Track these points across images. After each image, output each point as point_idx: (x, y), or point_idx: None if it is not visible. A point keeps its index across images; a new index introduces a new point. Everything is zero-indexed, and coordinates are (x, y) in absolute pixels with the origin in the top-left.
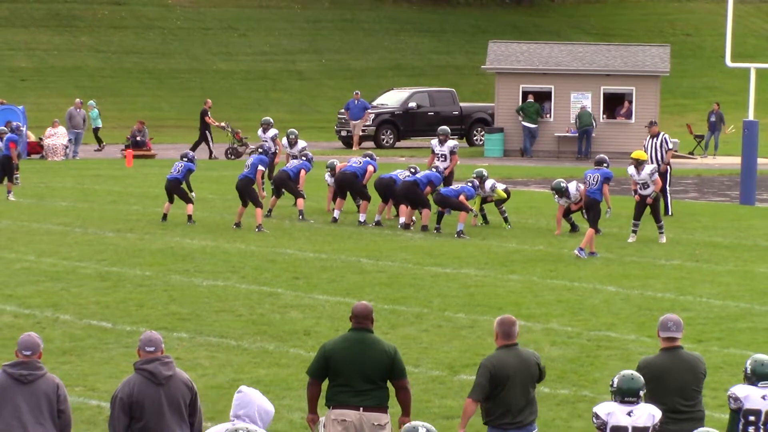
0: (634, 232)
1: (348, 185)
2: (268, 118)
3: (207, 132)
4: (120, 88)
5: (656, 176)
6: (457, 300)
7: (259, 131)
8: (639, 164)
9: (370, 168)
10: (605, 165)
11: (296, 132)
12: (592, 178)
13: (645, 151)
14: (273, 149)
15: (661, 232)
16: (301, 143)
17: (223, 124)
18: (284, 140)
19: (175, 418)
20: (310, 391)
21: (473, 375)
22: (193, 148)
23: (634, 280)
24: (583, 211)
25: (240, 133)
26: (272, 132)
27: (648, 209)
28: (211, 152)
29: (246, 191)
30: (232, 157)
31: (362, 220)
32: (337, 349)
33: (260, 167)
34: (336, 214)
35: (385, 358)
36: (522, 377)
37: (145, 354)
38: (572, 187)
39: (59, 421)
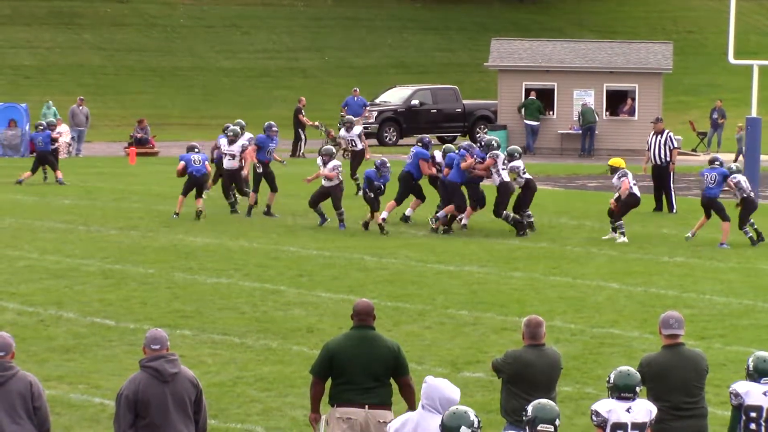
0: (622, 233)
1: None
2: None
3: (301, 131)
4: (123, 86)
5: (623, 179)
6: (460, 297)
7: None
8: (613, 171)
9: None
10: (718, 163)
11: (241, 124)
12: (709, 177)
13: (648, 148)
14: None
15: (621, 232)
16: (247, 135)
17: (316, 123)
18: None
19: (181, 415)
20: (314, 391)
21: (477, 372)
22: (293, 150)
23: (638, 277)
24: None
25: (332, 133)
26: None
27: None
28: (295, 151)
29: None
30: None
31: (408, 214)
32: (340, 347)
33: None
34: (408, 212)
35: (388, 355)
36: (547, 379)
37: (151, 351)
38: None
39: (36, 417)
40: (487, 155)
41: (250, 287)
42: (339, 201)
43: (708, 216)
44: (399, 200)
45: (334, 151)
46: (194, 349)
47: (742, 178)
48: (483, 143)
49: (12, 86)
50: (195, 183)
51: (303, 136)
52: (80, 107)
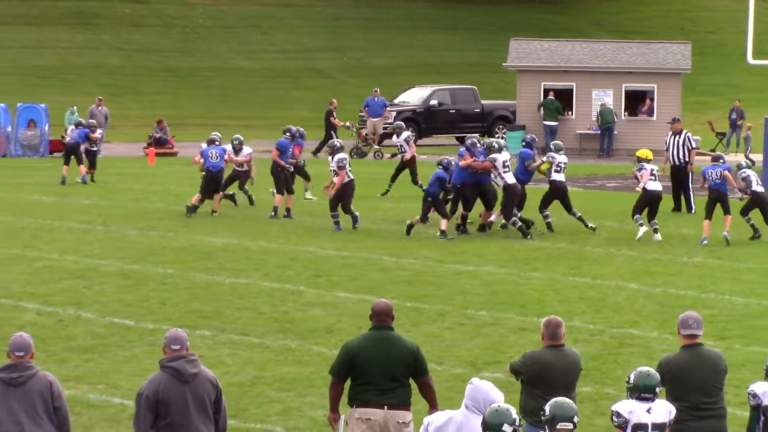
0: (640, 225)
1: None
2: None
3: (333, 132)
4: (141, 87)
5: (641, 172)
6: (479, 297)
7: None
8: (639, 162)
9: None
10: (722, 161)
11: (241, 138)
12: (714, 174)
13: (666, 149)
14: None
15: (639, 224)
16: (246, 149)
17: (348, 124)
18: (229, 147)
19: (201, 415)
20: (333, 391)
21: (496, 372)
22: (318, 149)
23: (657, 278)
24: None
25: (364, 133)
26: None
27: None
28: (319, 150)
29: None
30: (356, 156)
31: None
32: (360, 348)
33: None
34: (492, 218)
35: (408, 355)
36: (566, 380)
37: (171, 352)
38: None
39: (56, 418)
40: (487, 158)
41: (269, 287)
42: (350, 203)
43: (710, 216)
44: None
45: (338, 144)
46: (213, 349)
47: (751, 173)
48: (486, 145)
49: (30, 87)
50: (211, 179)
51: (334, 137)
52: (99, 107)
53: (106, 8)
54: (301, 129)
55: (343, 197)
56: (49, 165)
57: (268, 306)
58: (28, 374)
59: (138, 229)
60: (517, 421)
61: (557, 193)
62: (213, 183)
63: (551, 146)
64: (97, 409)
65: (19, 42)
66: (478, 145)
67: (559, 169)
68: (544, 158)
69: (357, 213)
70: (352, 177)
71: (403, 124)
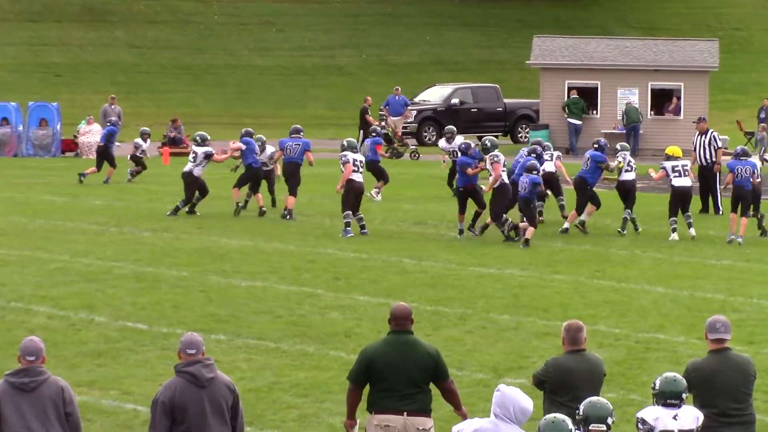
0: (673, 229)
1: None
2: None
3: (366, 131)
4: (155, 84)
5: (660, 171)
6: (501, 301)
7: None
8: (667, 159)
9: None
10: (747, 157)
11: (263, 138)
12: (744, 170)
13: (693, 149)
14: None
15: (672, 229)
16: (270, 148)
17: (383, 123)
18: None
19: (218, 421)
20: (351, 398)
21: (519, 378)
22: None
23: (684, 281)
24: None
25: (400, 133)
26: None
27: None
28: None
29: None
30: (393, 157)
31: (583, 219)
32: (378, 352)
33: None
34: (584, 217)
35: (428, 359)
36: (589, 385)
37: (186, 356)
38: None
39: (68, 424)
40: (487, 157)
41: (285, 290)
42: (358, 204)
43: (736, 209)
44: (580, 209)
45: (344, 143)
46: (229, 354)
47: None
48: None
49: (43, 84)
50: (252, 176)
51: (363, 138)
52: (112, 106)
53: (121, 5)
54: (262, 137)
55: (347, 197)
56: (61, 165)
57: (284, 309)
58: (39, 379)
59: (151, 231)
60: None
61: (623, 191)
62: (253, 181)
63: (618, 146)
64: (110, 415)
65: (31, 39)
66: (473, 146)
67: (630, 168)
68: (618, 158)
69: (361, 215)
70: (359, 180)
71: (454, 129)
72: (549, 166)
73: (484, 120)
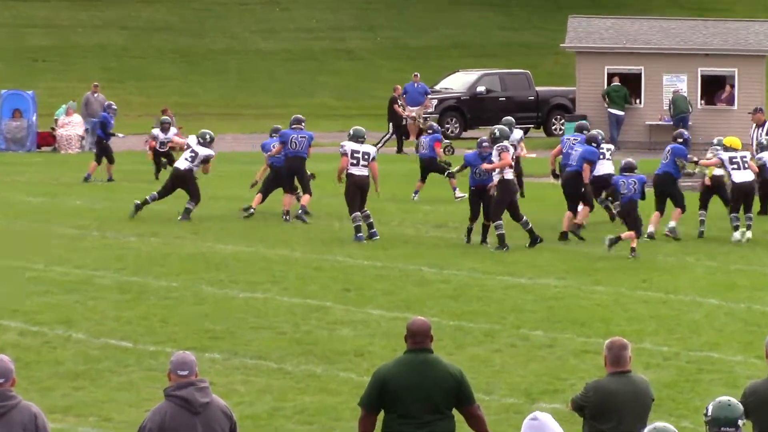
0: (735, 227)
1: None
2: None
3: (394, 123)
4: (148, 70)
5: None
6: (533, 315)
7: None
8: (725, 150)
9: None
10: None
11: (169, 119)
12: None
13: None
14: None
15: (734, 226)
16: (173, 130)
17: (413, 113)
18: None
19: None
20: (363, 425)
21: (553, 403)
22: (382, 143)
23: (741, 292)
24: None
25: (428, 124)
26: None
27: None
28: (382, 142)
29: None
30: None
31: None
32: (393, 374)
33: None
34: (672, 224)
35: (450, 381)
36: (635, 411)
37: (177, 378)
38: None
39: None
40: (497, 148)
41: (289, 303)
42: (364, 201)
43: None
44: (661, 209)
45: (351, 132)
46: (225, 375)
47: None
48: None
49: (27, 69)
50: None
51: (393, 130)
52: (95, 95)
53: None
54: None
55: (352, 196)
56: (36, 160)
57: (288, 325)
58: (9, 405)
59: (138, 236)
60: None
61: (741, 194)
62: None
63: (714, 141)
64: None
65: (12, 20)
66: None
67: (737, 166)
68: (709, 155)
69: (368, 212)
70: (359, 173)
71: (512, 119)
72: (607, 167)
73: (513, 110)
